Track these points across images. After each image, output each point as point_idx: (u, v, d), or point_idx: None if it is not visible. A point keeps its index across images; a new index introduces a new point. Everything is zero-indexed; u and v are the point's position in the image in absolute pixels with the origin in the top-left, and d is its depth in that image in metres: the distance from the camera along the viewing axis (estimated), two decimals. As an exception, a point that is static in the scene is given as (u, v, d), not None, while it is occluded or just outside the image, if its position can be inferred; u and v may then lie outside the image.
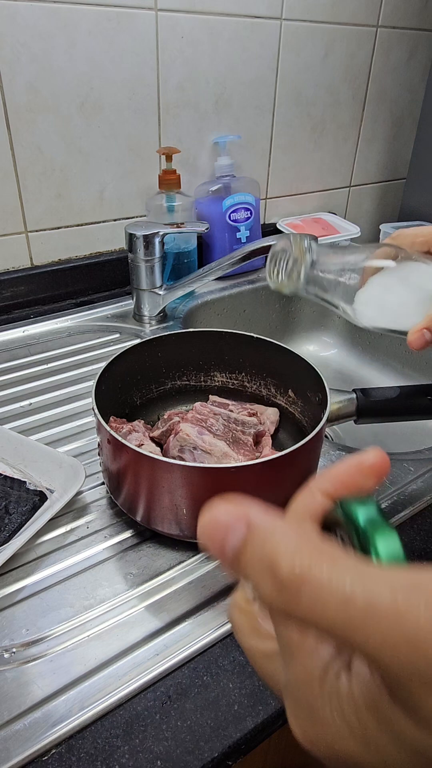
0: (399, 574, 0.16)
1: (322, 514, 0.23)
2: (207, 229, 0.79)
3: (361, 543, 0.19)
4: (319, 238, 0.78)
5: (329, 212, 1.19)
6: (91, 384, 0.51)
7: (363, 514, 0.20)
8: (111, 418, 0.54)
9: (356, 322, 0.49)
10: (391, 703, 0.16)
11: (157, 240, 0.78)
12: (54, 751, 0.35)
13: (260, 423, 0.58)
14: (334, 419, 0.55)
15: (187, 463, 0.44)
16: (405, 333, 0.47)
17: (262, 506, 0.20)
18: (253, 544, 0.18)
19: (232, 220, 0.95)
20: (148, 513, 0.47)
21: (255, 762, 0.47)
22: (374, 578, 0.16)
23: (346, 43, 1.05)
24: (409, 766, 0.17)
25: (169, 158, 0.86)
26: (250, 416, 0.58)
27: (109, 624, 0.42)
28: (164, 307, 0.84)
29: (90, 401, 0.50)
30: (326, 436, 0.69)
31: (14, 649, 0.40)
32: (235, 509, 0.20)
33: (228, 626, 0.42)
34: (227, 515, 0.20)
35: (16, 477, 0.53)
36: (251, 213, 0.97)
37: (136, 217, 0.94)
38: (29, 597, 0.44)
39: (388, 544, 0.19)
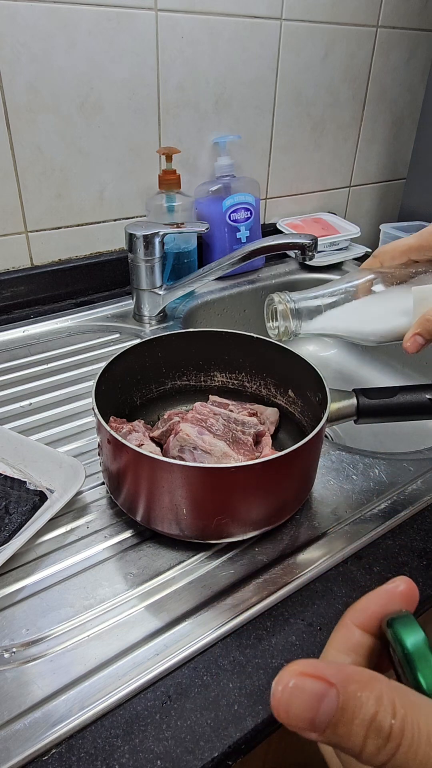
0: None
1: (363, 648, 0.23)
2: (207, 229, 0.79)
3: (410, 667, 0.20)
4: (319, 239, 0.78)
5: (329, 212, 1.19)
6: (91, 384, 0.51)
7: (411, 641, 0.21)
8: (111, 418, 0.54)
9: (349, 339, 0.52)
10: None
11: (157, 240, 0.78)
12: (54, 750, 0.35)
13: (260, 423, 0.58)
14: (334, 419, 0.55)
15: (187, 463, 0.44)
16: (383, 342, 0.51)
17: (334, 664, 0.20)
18: (349, 711, 0.18)
19: (232, 220, 0.95)
20: (148, 513, 0.47)
21: (255, 762, 0.47)
22: None
23: (346, 43, 1.05)
24: None
25: (169, 158, 0.86)
26: (250, 416, 0.58)
27: (109, 624, 0.42)
28: (164, 307, 0.84)
29: (90, 401, 0.50)
30: (326, 436, 0.69)
31: (14, 649, 0.40)
32: (316, 672, 0.19)
33: (228, 626, 0.42)
34: (313, 686, 0.19)
35: (16, 477, 0.53)
36: (251, 213, 0.97)
37: (136, 217, 0.94)
38: (29, 597, 0.44)
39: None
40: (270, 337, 0.55)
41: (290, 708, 0.19)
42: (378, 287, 0.49)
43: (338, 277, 0.53)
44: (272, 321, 0.52)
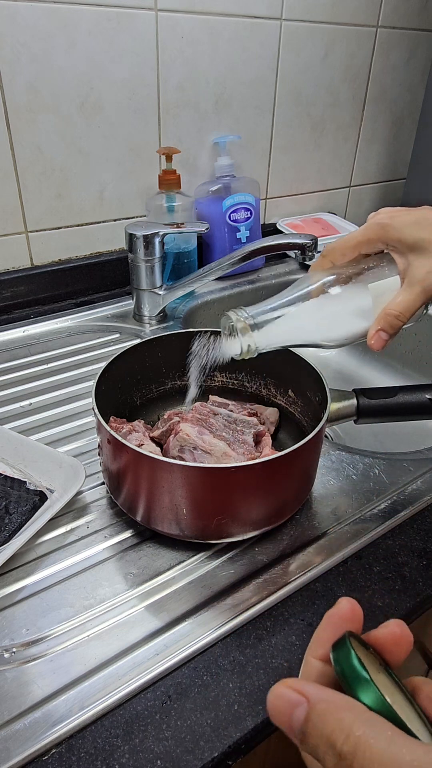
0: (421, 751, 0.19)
1: (324, 678, 0.25)
2: (207, 229, 0.79)
3: (349, 686, 0.22)
4: (319, 239, 0.78)
5: (329, 212, 1.19)
6: (91, 384, 0.51)
7: (343, 663, 0.23)
8: (111, 418, 0.54)
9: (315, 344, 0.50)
10: None
11: (157, 240, 0.78)
12: (54, 750, 0.35)
13: (260, 423, 0.58)
14: (334, 419, 0.55)
15: (187, 463, 0.44)
16: (330, 346, 0.49)
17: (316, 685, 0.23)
18: (313, 722, 0.21)
19: (232, 220, 0.95)
20: (148, 513, 0.47)
21: (255, 762, 0.47)
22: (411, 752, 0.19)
23: (346, 43, 1.05)
24: None
25: (169, 158, 0.86)
26: (250, 416, 0.58)
27: (109, 624, 0.42)
28: (164, 307, 0.84)
29: (90, 401, 0.50)
30: (326, 436, 0.69)
31: (14, 649, 0.40)
32: (296, 686, 0.22)
33: (228, 626, 0.42)
34: (292, 694, 0.22)
35: (16, 477, 0.53)
36: (251, 213, 0.97)
37: (136, 217, 0.94)
38: (29, 597, 0.44)
39: (368, 696, 0.22)
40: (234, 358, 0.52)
41: (273, 710, 0.22)
42: (333, 289, 0.47)
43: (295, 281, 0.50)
44: (231, 339, 0.49)
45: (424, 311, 0.49)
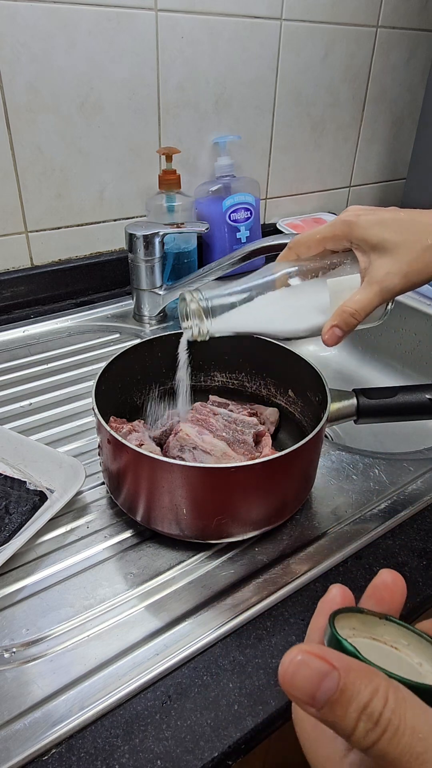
0: None
1: None
2: (207, 229, 0.79)
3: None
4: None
5: (329, 212, 1.19)
6: (91, 384, 0.51)
7: (331, 646, 0.23)
8: (111, 418, 0.54)
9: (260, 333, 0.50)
10: None
11: (157, 240, 0.78)
12: (54, 750, 0.35)
13: (260, 423, 0.58)
14: (334, 419, 0.55)
15: (187, 463, 0.44)
16: (292, 338, 0.49)
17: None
18: (347, 694, 0.20)
19: (232, 220, 0.95)
20: (148, 513, 0.47)
21: (255, 762, 0.47)
22: None
23: (346, 43, 1.05)
24: None
25: (169, 158, 0.86)
26: (250, 416, 0.58)
27: (109, 624, 0.42)
28: (164, 307, 0.84)
29: (90, 401, 0.50)
30: (326, 436, 0.69)
31: (14, 649, 0.40)
32: (319, 653, 0.21)
33: (228, 626, 0.42)
34: (318, 664, 0.21)
35: (16, 477, 0.53)
36: (251, 213, 0.97)
37: (136, 217, 0.94)
38: (29, 597, 0.44)
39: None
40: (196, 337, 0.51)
41: (295, 679, 0.21)
42: (294, 281, 0.47)
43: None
44: (185, 320, 0.49)
45: (385, 314, 0.49)
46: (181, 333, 0.60)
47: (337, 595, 0.27)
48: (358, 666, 0.21)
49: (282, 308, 0.48)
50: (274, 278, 0.47)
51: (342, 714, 0.20)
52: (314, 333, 0.48)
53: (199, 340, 0.49)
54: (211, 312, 0.47)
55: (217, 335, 0.48)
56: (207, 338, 0.49)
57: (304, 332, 0.49)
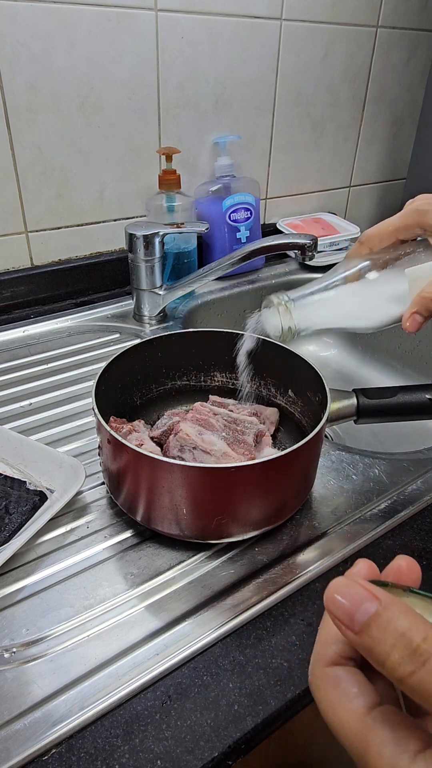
0: None
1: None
2: (207, 229, 0.79)
3: None
4: (319, 239, 0.78)
5: (329, 212, 1.19)
6: (91, 384, 0.51)
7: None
8: (111, 418, 0.54)
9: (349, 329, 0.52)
10: None
11: (157, 240, 0.78)
12: (54, 750, 0.35)
13: (260, 423, 0.58)
14: (334, 419, 0.55)
15: (187, 463, 0.44)
16: (362, 331, 0.52)
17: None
18: (385, 617, 0.21)
19: (232, 220, 0.95)
20: (148, 513, 0.47)
21: (255, 762, 0.47)
22: None
23: (346, 43, 1.05)
24: None
25: (169, 158, 0.86)
26: (250, 416, 0.58)
27: (109, 624, 0.42)
28: (164, 307, 0.84)
29: (90, 401, 0.50)
30: (326, 436, 0.69)
31: (14, 649, 0.40)
32: (367, 586, 0.22)
33: (228, 626, 0.42)
34: (360, 591, 0.22)
35: (16, 477, 0.53)
36: (251, 213, 0.97)
37: (136, 217, 0.94)
38: (29, 597, 0.44)
39: None
40: (271, 339, 0.55)
41: (336, 598, 0.22)
42: (371, 274, 0.49)
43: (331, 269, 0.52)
44: (273, 320, 0.52)
45: None
46: (181, 333, 0.61)
47: (362, 568, 0.27)
48: (400, 603, 0.22)
49: (362, 301, 0.50)
50: (349, 273, 0.49)
51: (379, 636, 0.21)
52: (395, 323, 0.50)
53: (287, 339, 0.51)
54: (297, 310, 0.50)
55: (303, 334, 0.51)
56: (294, 337, 0.51)
57: (385, 323, 0.50)
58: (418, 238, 0.50)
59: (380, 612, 0.21)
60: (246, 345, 0.58)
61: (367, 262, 0.49)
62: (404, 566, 0.26)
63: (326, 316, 0.50)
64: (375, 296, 0.50)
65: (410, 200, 0.50)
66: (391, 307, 0.49)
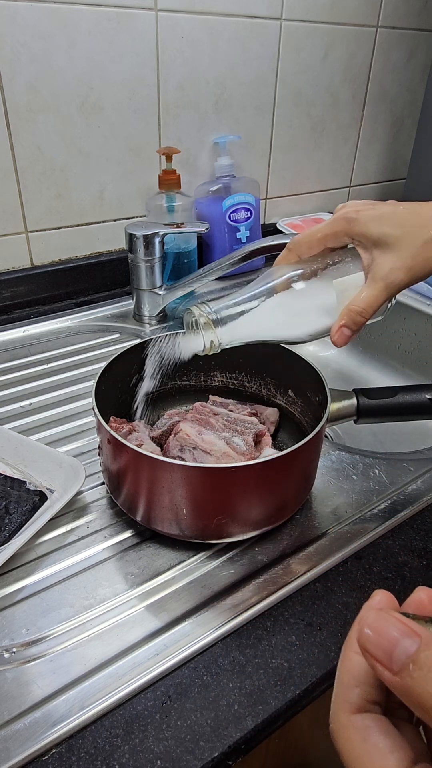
0: None
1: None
2: (207, 229, 0.79)
3: None
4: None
5: (329, 212, 1.19)
6: (91, 384, 0.51)
7: None
8: (111, 418, 0.54)
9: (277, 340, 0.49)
10: None
11: (157, 240, 0.78)
12: (54, 750, 0.35)
13: (260, 423, 0.58)
14: (334, 419, 0.55)
15: (187, 463, 0.44)
16: (294, 342, 0.49)
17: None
18: (428, 655, 0.19)
19: (232, 220, 0.95)
20: (148, 513, 0.47)
21: (255, 762, 0.47)
22: None
23: (346, 43, 1.05)
24: None
25: (169, 158, 0.86)
26: (250, 416, 0.58)
27: (109, 624, 0.42)
28: (164, 307, 0.84)
29: (90, 401, 0.50)
30: (326, 436, 0.69)
31: (14, 649, 0.40)
32: (403, 620, 0.20)
33: (228, 626, 0.42)
34: (398, 625, 0.20)
35: (16, 477, 0.53)
36: (251, 213, 0.97)
37: (136, 217, 0.94)
38: (29, 597, 0.44)
39: None
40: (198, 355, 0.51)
41: (372, 637, 0.20)
42: (298, 284, 0.47)
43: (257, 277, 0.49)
44: (192, 332, 0.48)
45: (389, 307, 0.49)
46: (182, 333, 0.60)
47: (382, 600, 0.25)
48: None
49: (288, 313, 0.47)
50: (277, 283, 0.47)
51: (422, 677, 0.19)
52: (323, 335, 0.48)
53: (210, 353, 0.48)
54: (220, 323, 0.47)
55: (227, 346, 0.48)
56: (219, 350, 0.48)
57: (313, 335, 0.49)
58: (349, 245, 0.48)
59: (422, 650, 0.19)
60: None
61: (296, 272, 0.47)
62: (425, 599, 0.24)
63: (252, 329, 0.47)
64: (303, 307, 0.48)
65: (340, 205, 0.48)
66: (319, 319, 0.48)
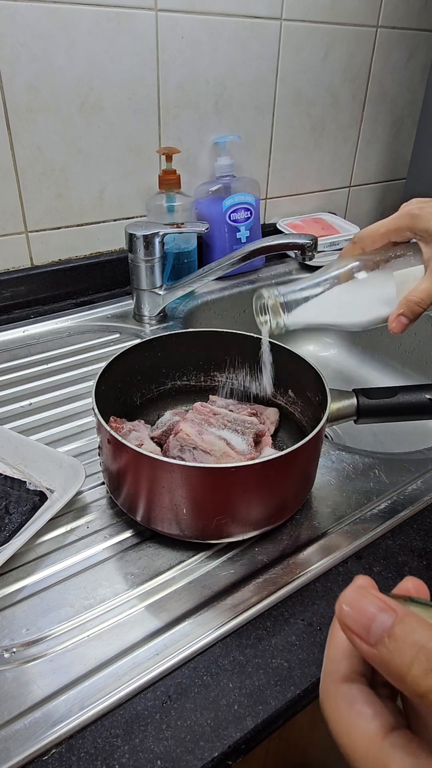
0: None
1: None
2: (207, 229, 0.79)
3: None
4: (319, 239, 0.78)
5: (329, 212, 1.19)
6: (91, 384, 0.51)
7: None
8: (111, 418, 0.54)
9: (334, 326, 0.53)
10: None
11: (157, 240, 0.78)
12: (54, 750, 0.35)
13: (260, 423, 0.58)
14: (334, 419, 0.55)
15: (187, 463, 0.44)
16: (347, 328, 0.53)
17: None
18: (403, 629, 0.20)
19: (232, 220, 0.95)
20: (148, 513, 0.47)
21: (255, 762, 0.47)
22: None
23: (346, 43, 1.05)
24: None
25: (169, 158, 0.86)
26: (250, 416, 0.58)
27: (109, 624, 0.42)
28: (164, 307, 0.84)
29: (90, 401, 0.50)
30: (326, 436, 0.69)
31: (14, 649, 0.40)
32: (381, 597, 0.22)
33: (228, 626, 0.42)
34: (375, 601, 0.21)
35: (16, 477, 0.53)
36: (251, 213, 0.97)
37: (136, 217, 0.94)
38: (29, 597, 0.44)
39: None
40: (261, 335, 0.55)
41: (351, 612, 0.21)
42: (360, 274, 0.50)
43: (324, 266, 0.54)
44: (261, 316, 0.53)
45: None
46: (181, 333, 0.61)
47: (363, 583, 0.26)
48: (416, 614, 0.21)
49: (350, 300, 0.51)
50: (340, 272, 0.51)
51: (397, 649, 0.20)
52: (381, 323, 0.51)
53: (275, 333, 0.52)
54: (286, 307, 0.51)
55: (291, 328, 0.52)
56: (283, 332, 0.52)
57: (371, 322, 0.52)
58: (411, 241, 0.51)
59: (397, 623, 0.20)
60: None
61: (358, 262, 0.50)
62: (411, 588, 0.25)
63: (315, 313, 0.51)
64: (363, 296, 0.51)
65: (405, 203, 0.50)
66: (379, 308, 0.51)
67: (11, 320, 0.84)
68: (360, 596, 0.22)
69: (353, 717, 0.22)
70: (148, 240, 0.78)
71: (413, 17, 1.13)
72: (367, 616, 0.21)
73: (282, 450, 0.44)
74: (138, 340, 0.58)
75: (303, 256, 0.74)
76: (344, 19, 1.02)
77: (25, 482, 0.53)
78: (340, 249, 1.07)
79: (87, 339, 0.81)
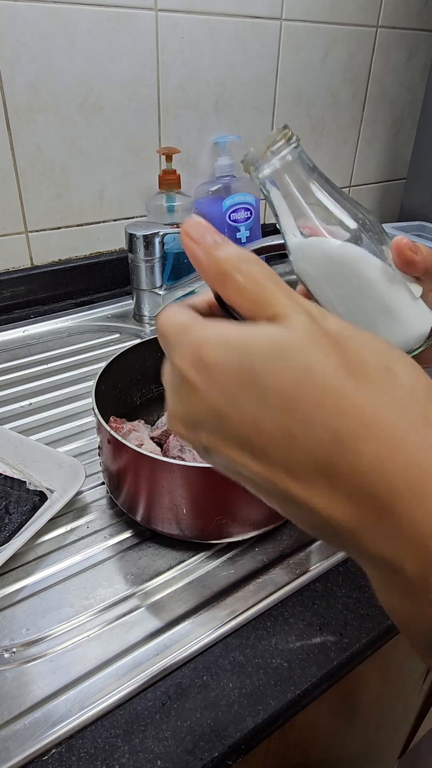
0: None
1: None
2: (207, 229, 0.79)
3: None
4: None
5: (329, 212, 1.19)
6: (91, 384, 0.51)
7: None
8: (111, 418, 0.54)
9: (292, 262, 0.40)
10: None
11: (157, 240, 0.78)
12: (54, 750, 0.35)
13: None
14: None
15: (187, 463, 0.44)
16: None
17: None
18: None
19: (232, 220, 0.95)
20: (148, 513, 0.47)
21: (255, 762, 0.47)
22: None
23: (346, 43, 1.05)
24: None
25: (169, 158, 0.86)
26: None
27: (109, 624, 0.42)
28: (164, 307, 0.84)
29: (90, 401, 0.50)
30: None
31: (14, 649, 0.40)
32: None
33: (228, 626, 0.42)
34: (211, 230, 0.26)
35: (16, 477, 0.53)
36: (251, 213, 0.97)
37: (136, 217, 0.94)
38: (29, 597, 0.44)
39: None
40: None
41: (192, 222, 0.26)
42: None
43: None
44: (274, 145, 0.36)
45: None
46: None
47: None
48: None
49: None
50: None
51: (225, 249, 0.25)
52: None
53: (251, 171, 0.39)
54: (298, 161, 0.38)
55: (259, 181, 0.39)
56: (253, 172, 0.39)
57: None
58: None
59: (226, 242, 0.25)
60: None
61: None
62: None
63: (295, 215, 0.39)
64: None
65: None
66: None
67: (11, 320, 0.84)
68: (200, 225, 0.26)
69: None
70: (148, 240, 0.78)
71: (413, 17, 1.13)
72: (205, 228, 0.26)
73: (282, 450, 0.44)
74: (138, 340, 0.58)
75: (303, 256, 0.73)
76: (344, 19, 1.02)
77: (25, 482, 0.53)
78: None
79: (87, 339, 0.81)
